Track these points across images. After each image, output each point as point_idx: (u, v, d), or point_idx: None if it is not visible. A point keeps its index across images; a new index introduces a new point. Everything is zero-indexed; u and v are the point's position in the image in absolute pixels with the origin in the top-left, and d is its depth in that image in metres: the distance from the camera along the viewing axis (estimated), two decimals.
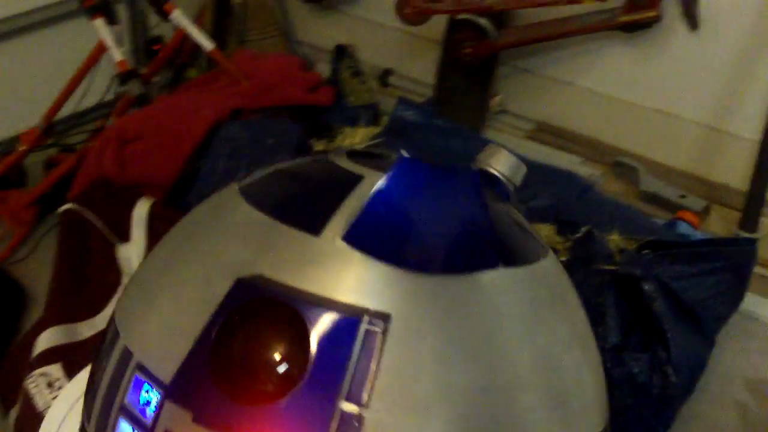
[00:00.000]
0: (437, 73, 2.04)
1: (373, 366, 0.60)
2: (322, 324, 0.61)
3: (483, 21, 1.90)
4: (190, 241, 0.73)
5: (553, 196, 1.49)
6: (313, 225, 0.65)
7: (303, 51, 2.34)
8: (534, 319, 0.68)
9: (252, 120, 1.74)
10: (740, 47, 1.73)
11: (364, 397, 0.60)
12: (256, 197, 0.72)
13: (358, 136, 1.71)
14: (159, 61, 2.13)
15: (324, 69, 2.11)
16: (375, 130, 1.73)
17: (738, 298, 1.37)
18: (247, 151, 1.63)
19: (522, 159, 0.80)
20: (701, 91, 1.80)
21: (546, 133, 2.01)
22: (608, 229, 1.40)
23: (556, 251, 1.32)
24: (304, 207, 0.70)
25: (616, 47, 1.86)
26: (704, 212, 1.74)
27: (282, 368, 0.61)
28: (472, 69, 1.97)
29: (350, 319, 0.61)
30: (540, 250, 0.73)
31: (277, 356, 0.62)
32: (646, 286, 1.27)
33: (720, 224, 1.73)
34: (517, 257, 0.69)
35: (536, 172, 1.38)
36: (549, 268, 0.71)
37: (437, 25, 1.98)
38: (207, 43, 1.88)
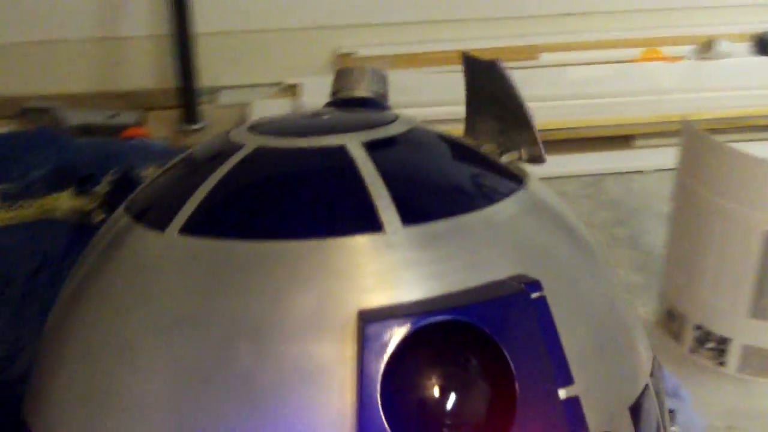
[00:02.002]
0: None
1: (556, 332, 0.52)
2: (496, 318, 0.50)
3: None
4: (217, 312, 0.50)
5: (47, 160, 1.43)
6: (366, 222, 0.52)
7: None
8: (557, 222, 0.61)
9: None
10: None
11: (570, 373, 0.51)
12: (236, 229, 0.53)
13: None
14: None
15: None
16: None
17: None
18: None
19: None
20: (78, 6, 1.80)
21: None
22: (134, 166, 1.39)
23: (89, 213, 1.31)
24: (318, 209, 0.54)
25: None
26: (142, 122, 1.83)
27: (485, 388, 0.49)
28: None
29: (515, 298, 0.50)
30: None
31: (480, 384, 0.50)
32: None
33: (163, 126, 1.82)
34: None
35: None
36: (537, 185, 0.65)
37: None
38: None
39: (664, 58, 1.78)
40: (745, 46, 1.81)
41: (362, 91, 0.68)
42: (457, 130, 0.72)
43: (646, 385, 0.55)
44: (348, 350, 0.47)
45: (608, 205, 1.66)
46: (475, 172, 0.60)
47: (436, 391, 0.47)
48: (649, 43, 1.83)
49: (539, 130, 0.64)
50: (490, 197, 0.56)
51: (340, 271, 0.50)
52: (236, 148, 0.58)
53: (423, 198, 0.55)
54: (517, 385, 0.47)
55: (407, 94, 1.74)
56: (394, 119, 0.61)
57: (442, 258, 0.51)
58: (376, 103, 0.67)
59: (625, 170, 1.68)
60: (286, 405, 0.47)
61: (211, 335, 0.49)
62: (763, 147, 1.61)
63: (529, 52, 1.85)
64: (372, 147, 0.57)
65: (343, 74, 0.68)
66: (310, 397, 0.47)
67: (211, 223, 0.53)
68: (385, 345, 0.46)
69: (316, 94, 1.74)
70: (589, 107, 1.71)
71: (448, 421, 0.47)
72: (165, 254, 0.53)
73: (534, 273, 0.52)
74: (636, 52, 1.81)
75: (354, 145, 0.56)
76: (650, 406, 0.55)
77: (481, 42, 1.86)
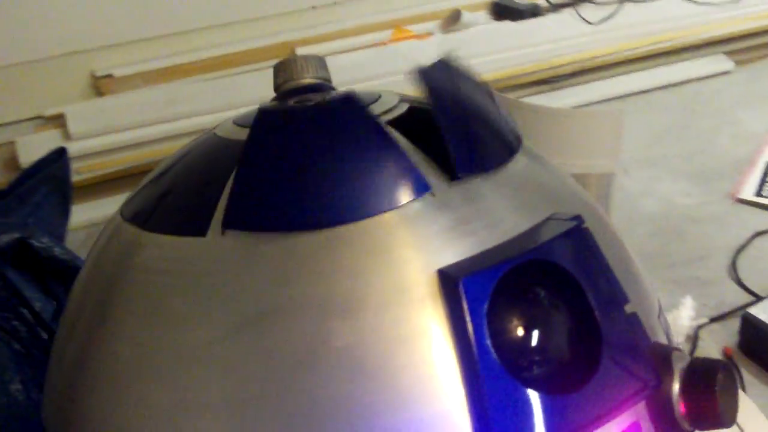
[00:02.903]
0: None
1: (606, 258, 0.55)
2: (564, 252, 0.52)
3: None
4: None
5: None
6: (414, 187, 0.53)
7: None
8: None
9: None
10: None
11: (625, 291, 0.54)
12: (288, 219, 0.52)
13: None
14: None
15: None
16: None
17: (67, 208, 1.41)
18: None
19: None
20: None
21: None
22: None
23: None
24: (364, 184, 0.54)
25: None
26: None
27: (572, 321, 0.52)
28: None
29: (574, 230, 0.53)
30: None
31: (568, 317, 0.51)
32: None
33: None
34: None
35: None
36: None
37: None
38: None
39: (414, 36, 1.87)
40: (483, 14, 1.95)
41: (311, 77, 0.68)
42: None
43: (658, 299, 0.61)
44: (438, 309, 0.49)
45: None
46: (486, 130, 0.63)
47: (534, 331, 0.51)
48: (398, 23, 1.92)
49: None
50: (509, 151, 0.60)
51: (404, 238, 0.51)
52: (242, 142, 0.57)
53: (454, 158, 0.57)
54: (595, 311, 0.52)
55: (177, 106, 1.73)
56: (379, 95, 0.63)
57: (489, 209, 0.54)
58: (326, 88, 0.68)
59: None
60: (391, 372, 0.49)
61: (301, 322, 0.49)
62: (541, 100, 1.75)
63: (285, 49, 1.88)
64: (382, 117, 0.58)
65: (285, 65, 0.68)
66: (413, 360, 0.49)
67: (257, 217, 0.52)
68: (481, 296, 0.49)
69: (82, 121, 1.68)
70: None
71: (547, 357, 0.51)
72: (215, 256, 0.52)
73: (563, 211, 0.56)
74: (388, 34, 1.90)
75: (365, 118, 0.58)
76: (663, 316, 0.61)
77: (237, 45, 1.87)
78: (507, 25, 1.91)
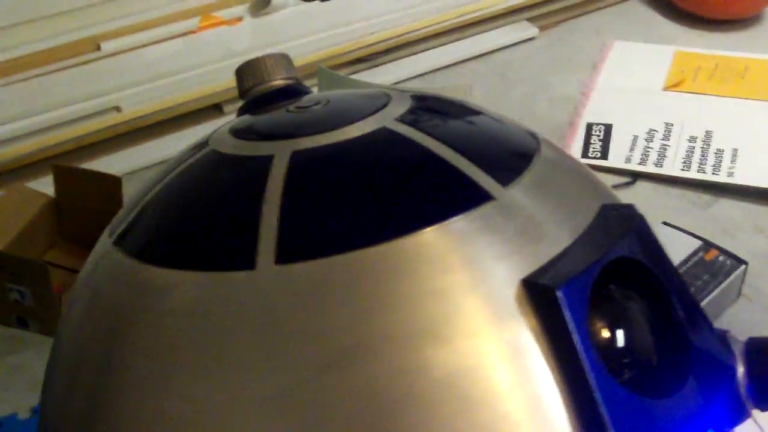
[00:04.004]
0: None
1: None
2: (639, 246, 0.49)
3: None
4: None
5: None
6: (473, 194, 0.49)
7: None
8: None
9: None
10: None
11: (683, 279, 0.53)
12: (346, 241, 0.46)
13: None
14: None
15: None
16: None
17: None
18: None
19: None
20: None
21: None
22: None
23: None
24: (420, 196, 0.49)
25: None
26: None
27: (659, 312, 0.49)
28: None
29: (642, 223, 0.50)
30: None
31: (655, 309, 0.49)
32: None
33: None
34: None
35: None
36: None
37: None
38: None
39: (224, 23, 1.79)
40: None
41: (282, 78, 0.61)
42: None
43: None
44: (529, 320, 0.46)
45: None
46: (505, 127, 0.60)
47: (625, 331, 0.48)
48: (205, 10, 1.83)
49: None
50: (535, 143, 0.57)
51: (478, 249, 0.48)
52: (265, 159, 0.50)
53: (499, 158, 0.53)
54: (674, 302, 0.49)
55: None
56: (388, 94, 0.57)
57: (548, 207, 0.52)
58: (300, 89, 0.62)
59: None
60: (500, 397, 0.46)
61: (392, 354, 0.45)
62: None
63: (89, 44, 1.75)
64: (408, 121, 0.53)
65: (251, 67, 0.61)
66: (517, 380, 0.46)
67: (314, 243, 0.47)
68: (580, 303, 0.46)
69: None
70: (168, 86, 1.68)
71: (638, 357, 0.48)
72: (274, 291, 0.46)
73: (605, 199, 0.54)
74: (195, 22, 1.80)
75: (393, 123, 0.53)
76: None
77: (37, 44, 1.71)
78: (318, 5, 1.88)
